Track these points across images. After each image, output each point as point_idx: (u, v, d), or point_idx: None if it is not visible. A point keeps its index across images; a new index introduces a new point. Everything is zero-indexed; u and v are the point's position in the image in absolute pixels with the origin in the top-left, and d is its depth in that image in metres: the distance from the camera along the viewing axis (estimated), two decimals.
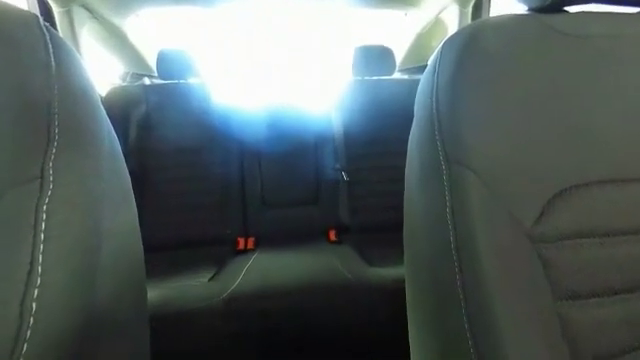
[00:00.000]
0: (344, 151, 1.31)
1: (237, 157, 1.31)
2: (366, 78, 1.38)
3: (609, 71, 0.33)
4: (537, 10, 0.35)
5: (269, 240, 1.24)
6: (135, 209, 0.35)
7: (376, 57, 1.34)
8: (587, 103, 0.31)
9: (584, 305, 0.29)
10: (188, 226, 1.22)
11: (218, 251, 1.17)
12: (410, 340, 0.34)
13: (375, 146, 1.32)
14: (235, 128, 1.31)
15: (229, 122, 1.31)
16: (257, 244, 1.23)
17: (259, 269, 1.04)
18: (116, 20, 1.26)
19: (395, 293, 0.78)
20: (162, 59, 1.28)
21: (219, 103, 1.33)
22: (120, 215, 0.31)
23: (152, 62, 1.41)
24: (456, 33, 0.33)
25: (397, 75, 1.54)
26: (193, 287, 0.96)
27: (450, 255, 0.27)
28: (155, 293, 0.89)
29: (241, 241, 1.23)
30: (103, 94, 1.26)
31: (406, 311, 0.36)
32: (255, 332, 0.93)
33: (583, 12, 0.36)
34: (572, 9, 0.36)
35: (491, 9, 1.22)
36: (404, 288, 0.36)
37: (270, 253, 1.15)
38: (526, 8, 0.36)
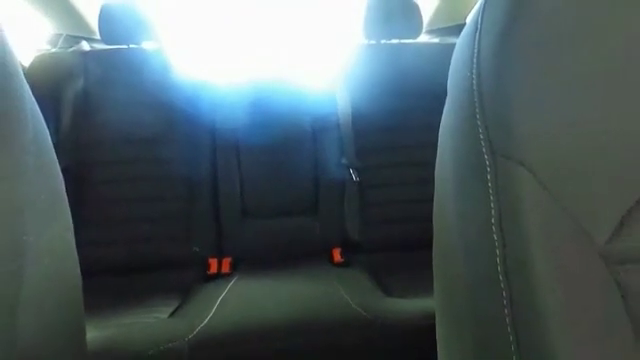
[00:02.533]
0: (352, 142, 1.11)
1: (208, 150, 1.10)
2: (383, 42, 1.15)
3: None
4: None
5: (251, 261, 1.06)
6: (69, 220, 0.32)
7: (396, 13, 1.12)
8: None
9: None
10: (142, 242, 1.03)
11: (183, 276, 1.00)
12: (438, 335, 0.31)
13: (394, 135, 1.11)
14: (205, 111, 1.10)
15: (196, 102, 1.10)
16: (235, 267, 1.05)
17: (237, 301, 0.89)
18: None
19: (421, 332, 0.72)
20: (106, 17, 1.06)
21: (182, 76, 1.11)
22: (50, 228, 0.29)
23: (93, 21, 1.18)
24: None
25: (424, 38, 1.33)
26: (148, 326, 0.82)
27: (497, 281, 0.24)
28: (97, 333, 0.75)
29: (213, 263, 1.04)
30: (27, 64, 1.05)
31: (436, 356, 0.33)
32: None
33: None
34: None
35: None
36: (433, 325, 0.33)
37: (252, 279, 0.98)
38: None
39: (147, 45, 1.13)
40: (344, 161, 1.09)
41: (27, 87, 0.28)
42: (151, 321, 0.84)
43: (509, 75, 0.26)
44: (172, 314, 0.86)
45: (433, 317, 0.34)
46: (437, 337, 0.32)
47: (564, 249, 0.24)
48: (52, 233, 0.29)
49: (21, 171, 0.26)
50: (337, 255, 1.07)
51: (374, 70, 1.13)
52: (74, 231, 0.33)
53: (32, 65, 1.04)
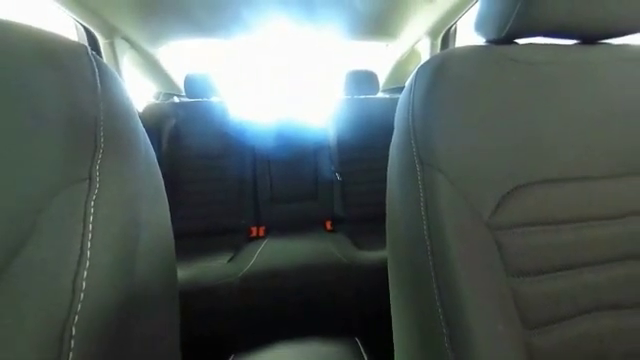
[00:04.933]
0: (337, 156, 1.34)
1: (250, 162, 1.33)
2: (355, 97, 1.42)
3: (551, 91, 0.34)
4: (493, 42, 0.37)
5: (277, 229, 1.26)
6: (167, 204, 0.34)
7: (363, 80, 1.38)
8: (533, 118, 0.33)
9: (532, 281, 0.30)
10: (210, 218, 1.24)
11: (235, 238, 1.19)
12: (392, 310, 0.33)
13: (363, 152, 1.36)
14: (248, 138, 1.35)
15: (244, 133, 1.34)
16: (267, 232, 1.26)
17: (268, 253, 1.05)
18: (151, 50, 1.30)
19: (380, 272, 0.75)
20: (189, 81, 1.31)
21: (235, 118, 1.36)
22: (154, 209, 0.30)
23: (181, 84, 1.45)
24: (428, 61, 0.34)
25: (380, 94, 1.59)
26: (215, 268, 0.96)
27: (423, 241, 0.28)
28: (184, 272, 0.90)
29: (253, 230, 1.26)
30: (140, 110, 1.29)
31: (389, 286, 0.35)
32: (265, 305, 0.94)
33: (530, 43, 0.37)
34: (521, 41, 0.38)
35: (456, 41, 1.30)
36: (387, 268, 0.36)
37: (277, 240, 1.17)
38: (484, 40, 0.38)
39: (214, 99, 1.37)
40: (332, 168, 1.33)
41: (140, 123, 0.30)
42: (216, 265, 0.99)
43: (431, 116, 0.31)
44: (229, 261, 1.02)
45: (387, 262, 0.36)
46: (389, 275, 0.34)
47: (463, 221, 0.29)
48: (156, 212, 0.30)
49: (137, 174, 0.27)
50: (329, 225, 1.30)
51: (351, 114, 1.36)
52: (170, 211, 0.34)
53: (144, 111, 1.28)
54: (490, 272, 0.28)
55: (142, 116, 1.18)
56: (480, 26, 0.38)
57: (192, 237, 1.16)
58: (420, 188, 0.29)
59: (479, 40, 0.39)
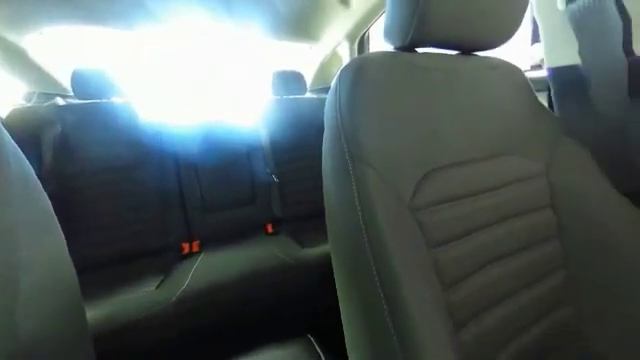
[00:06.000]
0: (272, 158, 1.30)
1: (173, 170, 1.16)
2: (284, 97, 1.38)
3: (442, 92, 0.41)
4: (399, 49, 0.42)
5: (213, 241, 1.14)
6: (61, 233, 0.30)
7: (291, 80, 1.36)
8: (434, 114, 0.38)
9: (445, 249, 0.35)
10: (128, 240, 1.04)
11: (163, 259, 1.03)
12: (339, 300, 0.34)
13: (297, 152, 1.34)
14: (168, 144, 1.17)
15: (161, 139, 1.16)
16: (202, 246, 1.12)
17: (206, 268, 0.95)
18: (13, 38, 0.98)
19: (325, 266, 0.83)
20: (77, 79, 1.05)
21: (148, 121, 1.16)
22: (41, 241, 0.26)
23: (66, 82, 1.15)
24: (348, 64, 0.37)
25: (309, 95, 1.59)
26: (139, 298, 0.82)
27: (360, 230, 0.29)
28: (97, 311, 0.74)
29: (185, 246, 1.11)
30: (3, 116, 0.98)
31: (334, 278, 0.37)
32: (209, 325, 0.85)
33: (426, 52, 0.44)
34: (421, 50, 0.44)
35: (370, 45, 1.36)
36: (330, 260, 0.37)
37: (215, 252, 1.06)
38: (392, 47, 0.43)
39: (115, 99, 1.13)
40: (268, 170, 1.28)
41: (6, 134, 0.26)
42: (141, 294, 0.84)
43: (356, 116, 0.33)
44: (158, 286, 0.88)
45: (330, 256, 0.36)
46: (333, 265, 0.34)
47: (391, 207, 0.31)
48: (45, 245, 0.27)
49: (9, 200, 0.23)
50: (269, 228, 1.24)
51: (282, 114, 1.35)
52: (70, 239, 0.30)
53: (10, 117, 0.97)
54: (415, 247, 0.31)
55: (8, 124, 0.96)
56: (388, 35, 0.42)
57: (105, 266, 0.98)
58: (353, 181, 0.30)
59: (388, 47, 0.44)
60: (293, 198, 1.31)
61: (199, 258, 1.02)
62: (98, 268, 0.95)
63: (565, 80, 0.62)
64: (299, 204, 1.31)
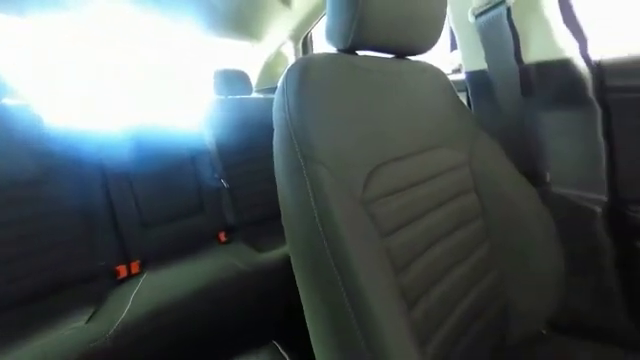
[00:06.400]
0: (220, 162, 1.23)
1: (99, 183, 1.00)
2: (230, 97, 1.33)
3: (382, 92, 0.43)
4: (342, 51, 0.44)
5: (158, 258, 1.03)
6: None
7: (235, 79, 1.31)
8: (377, 113, 0.41)
9: (395, 236, 0.37)
10: (46, 271, 0.86)
11: (93, 288, 0.89)
12: (302, 300, 0.34)
13: (247, 154, 1.29)
14: (90, 153, 0.99)
15: (79, 147, 0.98)
16: (143, 266, 1.00)
17: (150, 289, 0.85)
18: None
19: (285, 269, 0.84)
20: None
21: (59, 127, 0.97)
22: None
23: None
24: (294, 64, 0.37)
25: (255, 95, 1.55)
26: (64, 338, 0.69)
27: (317, 228, 0.30)
28: (19, 356, 0.63)
29: (122, 269, 0.97)
30: None
31: (294, 279, 0.37)
32: (159, 353, 0.75)
33: (366, 55, 0.46)
34: (361, 52, 0.47)
35: (315, 46, 1.39)
36: (290, 261, 0.37)
37: (160, 271, 0.96)
38: (335, 49, 0.45)
39: (9, 102, 0.91)
40: (216, 175, 1.21)
41: None
42: (66, 333, 0.71)
43: (305, 116, 0.34)
44: (89, 320, 0.76)
45: (289, 258, 0.37)
46: (293, 266, 0.35)
47: (344, 203, 0.32)
48: None
49: None
50: (222, 237, 1.16)
51: (228, 115, 1.29)
52: None
53: None
54: (369, 239, 0.33)
55: None
56: (330, 37, 0.44)
57: (19, 305, 0.81)
58: (307, 181, 0.31)
59: (331, 48, 0.46)
60: (246, 202, 1.26)
61: (140, 280, 0.91)
62: (9, 309, 0.78)
63: (478, 82, 0.73)
64: (253, 208, 1.26)
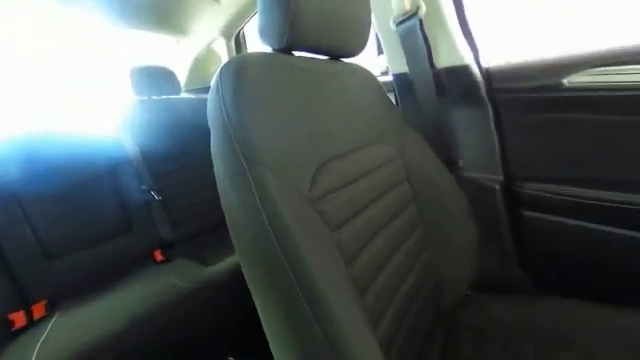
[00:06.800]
0: (147, 171, 1.09)
1: None
2: (154, 98, 1.18)
3: (321, 92, 0.45)
4: (278, 51, 0.44)
5: (72, 293, 0.86)
6: None
7: (159, 78, 1.17)
8: (317, 112, 0.42)
9: (344, 229, 0.39)
10: None
11: None
12: (258, 307, 0.33)
13: (181, 160, 1.17)
14: None
15: None
16: (53, 306, 0.83)
17: (64, 333, 0.72)
18: None
19: (235, 278, 0.77)
20: None
21: None
22: None
23: None
24: (228, 63, 0.36)
25: (184, 95, 1.42)
26: None
27: (267, 231, 0.29)
28: None
29: (18, 317, 0.77)
30: None
31: (248, 288, 0.35)
32: None
33: (302, 56, 0.47)
34: (297, 53, 0.48)
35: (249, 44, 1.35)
36: (241, 271, 0.36)
37: (77, 308, 0.81)
38: (271, 49, 0.45)
39: None
40: (144, 187, 1.06)
41: None
42: None
43: (245, 116, 0.33)
44: None
45: (239, 267, 0.36)
46: (244, 274, 0.34)
47: (293, 203, 0.32)
48: None
49: None
50: (158, 255, 1.04)
51: (153, 117, 1.14)
52: None
53: None
54: (320, 235, 0.34)
55: None
56: (263, 35, 0.44)
57: None
58: (252, 184, 0.30)
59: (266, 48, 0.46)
60: (184, 214, 1.14)
61: (49, 325, 0.75)
62: None
63: (402, 84, 0.82)
64: (193, 219, 1.15)
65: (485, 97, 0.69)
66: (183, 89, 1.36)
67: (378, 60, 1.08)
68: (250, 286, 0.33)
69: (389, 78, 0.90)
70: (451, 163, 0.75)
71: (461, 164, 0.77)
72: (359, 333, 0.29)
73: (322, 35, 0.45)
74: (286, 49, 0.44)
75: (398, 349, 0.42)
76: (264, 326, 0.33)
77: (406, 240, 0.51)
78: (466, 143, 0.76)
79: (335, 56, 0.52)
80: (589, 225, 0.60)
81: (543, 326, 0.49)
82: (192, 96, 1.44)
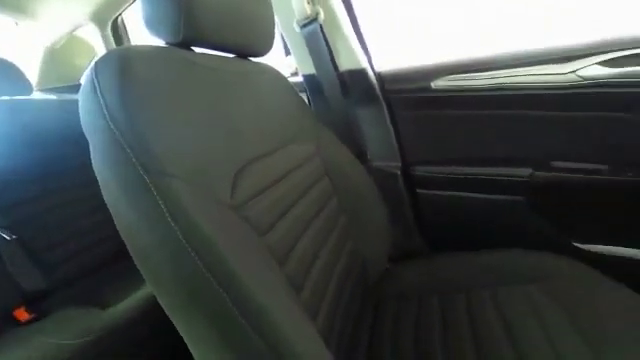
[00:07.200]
0: None
1: None
2: None
3: (234, 93, 0.43)
4: (174, 45, 0.40)
5: None
6: None
7: None
8: (228, 113, 0.40)
9: (273, 232, 0.39)
10: None
11: None
12: (181, 330, 0.30)
13: (43, 182, 0.89)
14: None
15: None
16: None
17: None
18: None
19: (147, 311, 0.72)
20: None
21: None
22: None
23: None
24: (107, 57, 0.31)
25: (38, 95, 1.08)
26: None
27: (184, 248, 0.26)
28: None
29: None
30: None
31: (166, 320, 0.31)
32: None
33: (205, 53, 0.44)
34: (199, 50, 0.45)
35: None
36: (155, 304, 0.31)
37: None
38: (164, 42, 0.40)
39: None
40: None
41: None
42: None
43: (138, 120, 0.28)
44: None
45: (152, 297, 0.32)
46: (162, 303, 0.30)
47: (213, 212, 0.29)
48: None
49: None
50: (23, 314, 0.76)
51: None
52: None
53: None
54: (248, 242, 0.32)
55: None
56: (152, 27, 0.40)
57: None
58: (158, 199, 0.26)
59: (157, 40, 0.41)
60: (62, 250, 0.88)
61: None
62: None
63: (312, 84, 0.88)
64: (77, 255, 0.90)
65: (380, 97, 0.82)
66: (35, 88, 1.02)
67: (287, 61, 1.12)
68: (172, 316, 0.29)
69: (300, 79, 0.95)
70: (361, 155, 0.86)
71: (369, 156, 0.89)
72: (301, 333, 0.29)
73: (224, 31, 0.43)
74: (184, 44, 0.40)
75: (336, 334, 0.44)
76: (193, 351, 0.30)
77: (332, 231, 0.54)
78: (371, 137, 0.88)
79: (242, 54, 0.51)
80: (466, 194, 0.79)
81: (443, 278, 0.62)
82: (52, 96, 1.12)
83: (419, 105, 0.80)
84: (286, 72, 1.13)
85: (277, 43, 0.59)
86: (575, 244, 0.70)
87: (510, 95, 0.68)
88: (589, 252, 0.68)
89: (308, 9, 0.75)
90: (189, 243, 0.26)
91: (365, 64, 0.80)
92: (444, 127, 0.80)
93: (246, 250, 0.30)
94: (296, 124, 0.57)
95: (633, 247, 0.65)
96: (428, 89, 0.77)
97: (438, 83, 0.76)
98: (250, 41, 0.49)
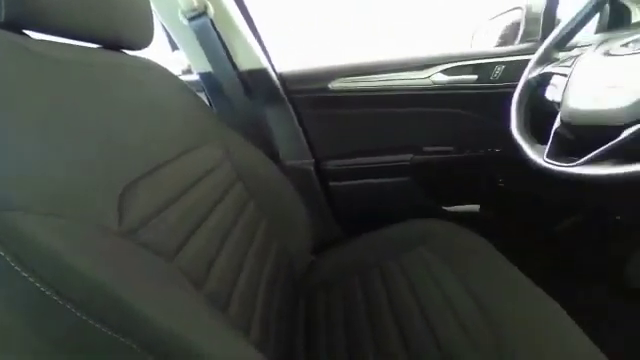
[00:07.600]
0: None
1: None
2: None
3: (102, 92, 0.35)
4: None
5: None
6: None
7: None
8: (99, 118, 0.32)
9: (184, 252, 0.34)
10: None
11: None
12: None
13: None
14: None
15: None
16: None
17: None
18: None
19: None
20: None
21: None
22: None
23: None
24: None
25: None
26: None
27: (53, 303, 0.20)
28: None
29: None
30: None
31: None
32: None
33: (52, 41, 0.35)
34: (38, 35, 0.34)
35: None
36: None
37: None
38: None
39: None
40: None
41: None
42: None
43: None
44: None
45: None
46: None
47: (89, 245, 0.23)
48: None
49: None
50: None
51: None
52: None
53: None
54: (152, 272, 0.28)
55: None
56: None
57: None
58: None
59: None
60: None
61: None
62: None
63: (211, 83, 0.81)
64: None
65: (284, 97, 0.83)
66: None
67: (175, 56, 0.98)
68: None
69: (194, 77, 0.85)
70: (273, 155, 0.85)
71: (281, 155, 0.89)
72: (230, 354, 0.27)
73: (75, 13, 0.34)
74: (9, 26, 0.29)
75: (272, 341, 0.43)
76: None
77: (254, 237, 0.52)
78: (280, 137, 0.88)
79: (110, 46, 0.42)
80: (369, 181, 0.90)
81: (359, 258, 0.69)
82: None
83: (320, 104, 0.86)
84: (176, 70, 0.99)
85: (159, 36, 0.49)
86: (444, 207, 0.93)
87: (387, 95, 0.83)
88: (454, 212, 0.92)
89: (195, 1, 0.67)
90: (59, 295, 0.19)
91: (266, 64, 0.79)
92: (344, 124, 0.88)
93: (150, 283, 0.25)
94: (197, 127, 0.51)
95: (475, 203, 0.91)
96: (327, 89, 0.84)
97: (334, 84, 0.83)
98: (120, 31, 0.41)
